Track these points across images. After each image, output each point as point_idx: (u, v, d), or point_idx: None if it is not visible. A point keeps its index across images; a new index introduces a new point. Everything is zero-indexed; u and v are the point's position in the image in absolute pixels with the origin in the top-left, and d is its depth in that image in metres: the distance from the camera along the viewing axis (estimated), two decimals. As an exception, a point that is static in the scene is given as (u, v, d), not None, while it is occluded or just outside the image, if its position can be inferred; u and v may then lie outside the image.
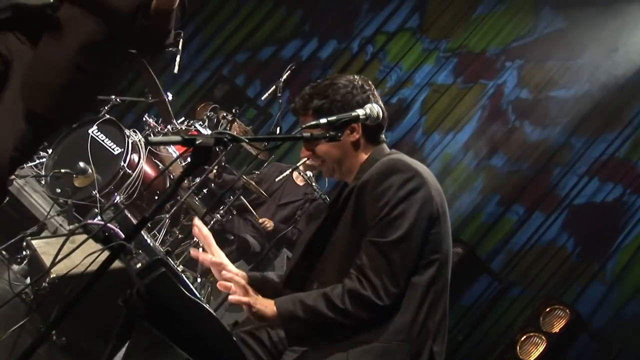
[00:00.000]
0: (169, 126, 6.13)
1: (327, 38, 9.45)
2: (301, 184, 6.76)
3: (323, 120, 2.44)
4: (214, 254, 2.70)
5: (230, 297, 2.39)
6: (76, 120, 3.24)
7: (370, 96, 2.65)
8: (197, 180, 5.93)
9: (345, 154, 2.65)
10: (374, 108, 2.55)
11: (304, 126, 2.38)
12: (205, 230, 2.70)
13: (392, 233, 2.38)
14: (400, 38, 9.16)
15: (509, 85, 8.37)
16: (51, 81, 3.04)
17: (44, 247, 4.09)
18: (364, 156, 2.65)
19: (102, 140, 5.64)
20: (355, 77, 2.69)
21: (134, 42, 3.20)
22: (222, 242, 6.99)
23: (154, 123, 6.25)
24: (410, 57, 9.03)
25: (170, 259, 2.59)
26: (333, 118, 2.46)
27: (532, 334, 6.32)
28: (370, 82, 2.72)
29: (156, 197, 5.80)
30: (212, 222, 5.86)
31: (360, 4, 9.41)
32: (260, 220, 6.46)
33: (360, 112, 2.53)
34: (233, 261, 6.54)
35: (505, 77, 8.43)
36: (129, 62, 3.71)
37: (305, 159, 6.08)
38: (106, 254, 2.15)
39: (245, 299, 2.42)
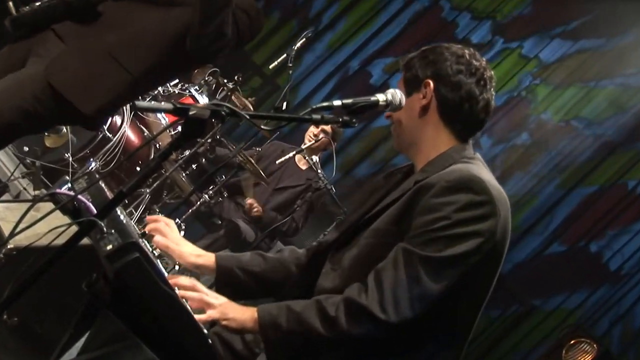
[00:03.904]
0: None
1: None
2: (304, 167, 6.75)
3: (337, 103, 2.39)
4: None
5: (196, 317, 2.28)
6: (96, 119, 3.28)
7: (465, 69, 2.56)
8: (186, 153, 5.92)
9: (409, 117, 2.60)
10: (397, 95, 2.51)
11: (314, 106, 2.35)
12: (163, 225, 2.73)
13: (434, 250, 2.29)
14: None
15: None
16: (80, 64, 3.15)
17: (3, 213, 4.10)
18: (436, 142, 2.57)
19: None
20: (470, 49, 2.63)
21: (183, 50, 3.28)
22: (207, 227, 7.00)
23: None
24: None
25: (146, 242, 2.59)
26: (349, 101, 2.43)
27: (552, 367, 6.35)
28: (483, 61, 2.62)
29: (138, 169, 5.80)
30: (198, 202, 5.86)
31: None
32: (249, 201, 6.45)
33: (380, 97, 2.50)
34: (220, 249, 6.57)
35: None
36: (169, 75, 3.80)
37: (313, 141, 6.11)
38: (74, 229, 2.16)
39: (206, 316, 2.33)
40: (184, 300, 2.32)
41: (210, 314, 2.34)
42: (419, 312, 2.28)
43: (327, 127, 6.43)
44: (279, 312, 2.33)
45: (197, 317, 2.29)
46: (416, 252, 2.30)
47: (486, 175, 2.46)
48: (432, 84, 2.55)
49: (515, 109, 8.62)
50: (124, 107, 5.62)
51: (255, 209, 6.44)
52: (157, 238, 2.69)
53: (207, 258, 2.77)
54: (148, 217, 2.82)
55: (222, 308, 2.36)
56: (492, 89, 2.60)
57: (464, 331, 2.48)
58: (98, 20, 3.21)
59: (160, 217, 2.78)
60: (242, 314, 2.35)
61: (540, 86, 8.70)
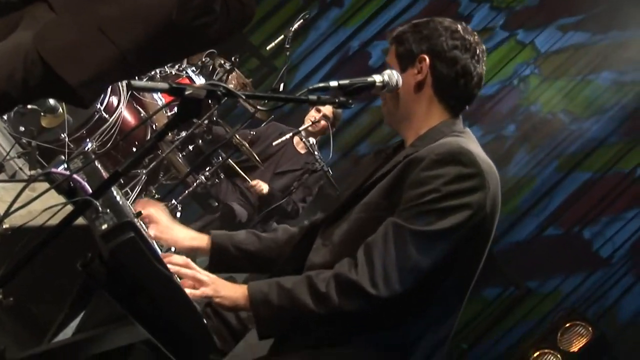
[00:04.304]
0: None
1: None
2: (302, 151, 6.73)
3: (334, 83, 2.40)
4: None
5: (188, 292, 2.29)
6: (83, 92, 3.20)
7: (460, 44, 2.55)
8: (183, 134, 5.91)
9: (403, 92, 2.59)
10: (393, 76, 2.53)
11: (310, 87, 2.35)
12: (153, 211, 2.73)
13: (424, 224, 2.30)
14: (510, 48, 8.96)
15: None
16: (68, 35, 3.07)
17: (-1, 192, 4.09)
18: (428, 117, 2.57)
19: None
20: (462, 24, 2.63)
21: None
22: (204, 208, 7.00)
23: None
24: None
25: (141, 222, 2.59)
26: (345, 82, 2.43)
27: (546, 350, 6.38)
28: (476, 36, 2.62)
29: (134, 149, 5.79)
30: (195, 183, 5.86)
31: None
32: (253, 183, 6.41)
33: (377, 78, 2.51)
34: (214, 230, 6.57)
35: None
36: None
37: (310, 123, 6.09)
38: (69, 208, 2.16)
39: (200, 292, 2.34)
40: (178, 280, 2.32)
41: (203, 291, 2.35)
42: (409, 286, 2.29)
43: (329, 113, 6.42)
44: (269, 289, 2.34)
45: (191, 292, 2.31)
46: (406, 226, 2.31)
47: (475, 148, 2.47)
48: (427, 59, 2.55)
49: (506, 98, 8.63)
50: (120, 88, 5.61)
51: (261, 188, 6.40)
52: (150, 229, 2.69)
53: (201, 240, 2.80)
54: (137, 202, 2.81)
55: (214, 285, 2.37)
56: (484, 64, 2.62)
57: (454, 306, 2.50)
58: None
59: (149, 201, 2.77)
60: (235, 291, 2.37)
61: (534, 76, 8.68)
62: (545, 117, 8.55)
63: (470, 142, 2.51)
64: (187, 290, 2.30)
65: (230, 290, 2.37)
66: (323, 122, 6.36)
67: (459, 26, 2.60)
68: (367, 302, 2.27)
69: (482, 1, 8.91)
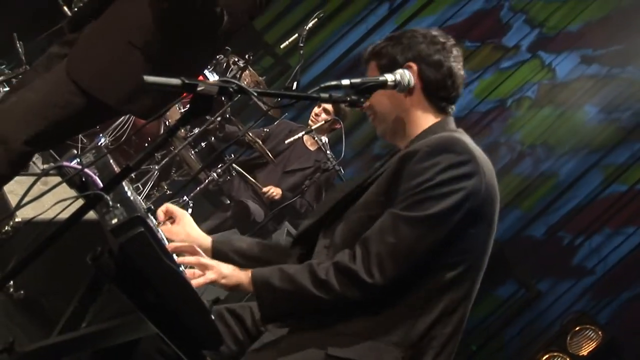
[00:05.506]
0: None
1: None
2: (312, 148, 6.72)
3: (345, 82, 2.40)
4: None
5: (193, 282, 2.33)
6: (133, 105, 3.17)
7: (441, 48, 2.64)
8: (196, 130, 5.92)
9: (396, 106, 2.66)
10: (405, 75, 2.55)
11: (322, 85, 2.36)
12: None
13: (418, 210, 2.35)
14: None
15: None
16: (100, 55, 3.11)
17: (12, 186, 4.09)
18: (421, 121, 2.64)
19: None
20: (438, 31, 2.71)
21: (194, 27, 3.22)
22: (216, 206, 7.00)
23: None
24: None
25: (152, 218, 2.60)
26: (357, 81, 2.44)
27: (556, 354, 6.35)
28: (451, 39, 2.71)
29: (147, 145, 5.79)
30: (207, 180, 5.86)
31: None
32: (265, 189, 6.42)
33: (388, 77, 2.52)
34: (227, 228, 6.53)
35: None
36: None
37: (323, 122, 6.07)
38: (80, 202, 2.17)
39: (204, 279, 2.40)
40: (187, 277, 2.33)
41: (208, 276, 2.41)
42: (405, 271, 2.35)
43: (329, 106, 6.42)
44: (271, 273, 2.41)
45: (196, 281, 2.36)
46: (401, 214, 2.37)
47: (467, 139, 2.54)
48: (415, 66, 2.61)
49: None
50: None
51: (275, 194, 6.41)
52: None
53: (205, 241, 2.83)
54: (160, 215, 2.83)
55: (218, 268, 2.44)
56: (461, 63, 2.70)
57: (462, 300, 2.49)
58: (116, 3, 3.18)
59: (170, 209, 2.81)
60: (238, 273, 2.44)
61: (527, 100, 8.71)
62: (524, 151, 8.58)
63: (462, 135, 2.57)
64: (193, 281, 2.33)
65: (233, 272, 2.44)
66: (324, 116, 6.34)
67: (434, 32, 2.69)
68: (365, 291, 2.33)
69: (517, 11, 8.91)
